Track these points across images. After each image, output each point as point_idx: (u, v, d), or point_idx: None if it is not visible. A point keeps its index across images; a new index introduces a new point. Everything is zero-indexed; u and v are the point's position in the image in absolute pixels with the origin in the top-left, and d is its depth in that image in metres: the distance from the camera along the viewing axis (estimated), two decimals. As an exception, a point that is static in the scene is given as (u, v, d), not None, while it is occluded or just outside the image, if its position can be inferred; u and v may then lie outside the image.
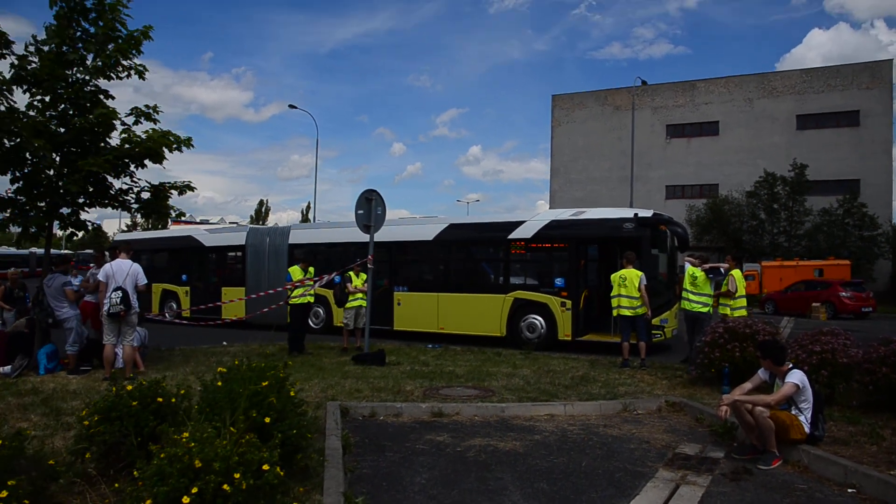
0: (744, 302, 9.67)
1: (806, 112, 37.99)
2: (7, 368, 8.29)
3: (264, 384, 4.32)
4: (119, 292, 8.00)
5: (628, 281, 10.29)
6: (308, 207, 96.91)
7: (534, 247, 13.80)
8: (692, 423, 6.56)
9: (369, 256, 10.82)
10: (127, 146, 8.58)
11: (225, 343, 13.29)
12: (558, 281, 13.19)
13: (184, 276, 18.73)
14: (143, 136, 8.79)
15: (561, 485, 4.70)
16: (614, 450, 5.59)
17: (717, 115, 40.30)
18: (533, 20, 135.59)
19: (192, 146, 9.18)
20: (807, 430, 5.32)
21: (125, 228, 78.22)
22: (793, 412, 5.39)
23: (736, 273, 9.65)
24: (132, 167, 9.11)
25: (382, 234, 15.64)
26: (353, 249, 15.99)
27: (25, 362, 8.50)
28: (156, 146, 8.64)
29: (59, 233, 9.35)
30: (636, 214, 12.61)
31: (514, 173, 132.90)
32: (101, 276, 8.19)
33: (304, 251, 16.46)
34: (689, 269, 9.90)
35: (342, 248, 16.10)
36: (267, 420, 4.08)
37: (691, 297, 9.70)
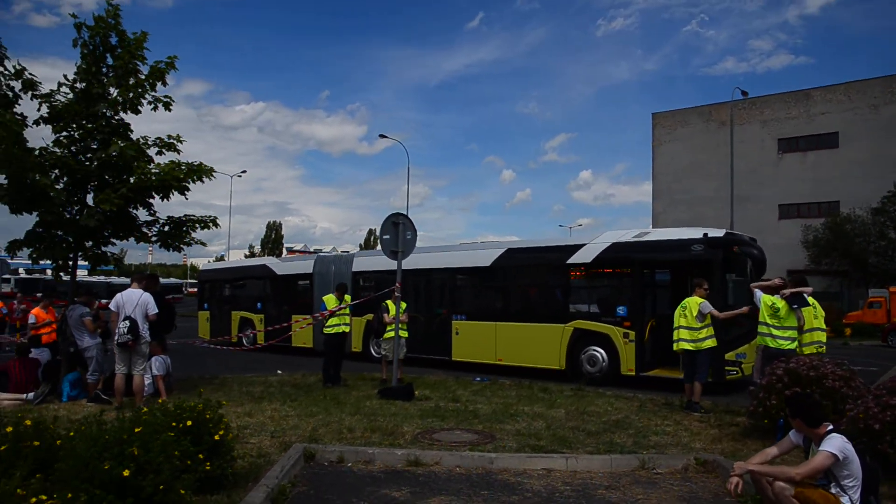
0: (819, 336, 8.00)
1: (943, 116, 33.44)
2: (31, 395, 8.47)
3: (137, 430, 3.80)
4: (127, 322, 7.95)
5: (688, 310, 8.93)
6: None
7: (594, 272, 12.61)
8: (720, 488, 5.30)
9: (397, 284, 10.21)
10: (143, 177, 8.58)
11: (280, 371, 13.15)
12: (620, 310, 11.93)
13: (259, 304, 19.12)
14: (156, 169, 8.77)
15: (500, 569, 3.79)
16: (600, 522, 4.55)
17: (836, 125, 36.42)
18: (642, 39, 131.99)
19: (213, 177, 9.12)
20: (850, 514, 4.02)
21: (246, 255, 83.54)
22: (833, 490, 4.09)
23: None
24: (156, 198, 9.16)
25: (440, 261, 15.24)
26: (412, 276, 15.57)
27: (48, 389, 8.67)
28: (168, 178, 8.61)
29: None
30: (706, 235, 11.17)
31: (626, 197, 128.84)
32: (112, 306, 8.19)
33: (364, 279, 16.33)
34: (763, 297, 8.34)
35: (411, 275, 15.64)
36: (126, 473, 3.53)
37: (774, 332, 7.96)
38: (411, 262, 15.68)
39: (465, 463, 5.80)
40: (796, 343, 7.88)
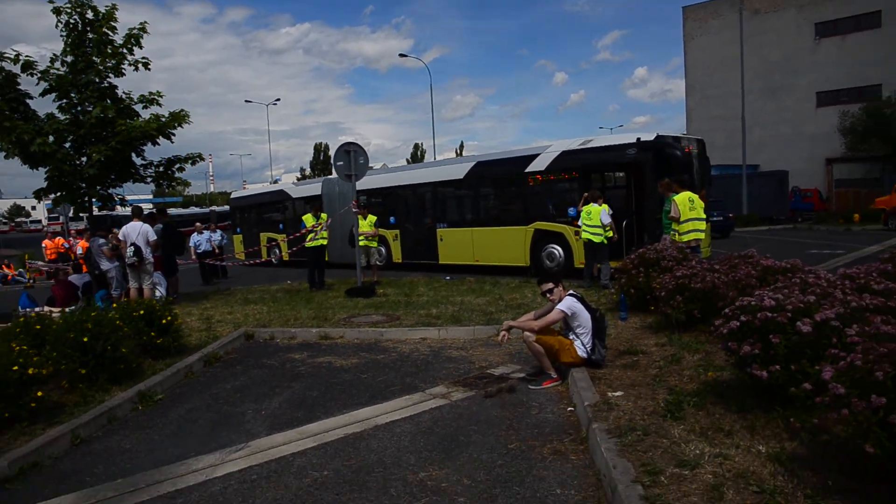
0: (694, 225, 9.29)
1: None
2: (72, 308, 10.89)
3: (93, 314, 5.84)
4: (132, 247, 10.11)
5: (592, 216, 10.98)
6: (461, 147, 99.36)
7: (548, 178, 13.96)
8: (543, 346, 6.99)
9: (353, 202, 11.93)
10: (126, 131, 10.39)
11: (289, 282, 15.32)
12: (571, 210, 13.33)
13: (280, 225, 21.40)
14: (137, 122, 10.59)
15: (330, 393, 5.72)
16: (429, 368, 6.39)
17: (878, 3, 34.40)
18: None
19: (189, 122, 10.94)
20: (581, 353, 5.66)
21: (298, 179, 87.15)
22: (569, 336, 5.75)
23: (679, 198, 9.29)
24: (146, 145, 11.04)
25: (422, 176, 16.95)
26: (401, 190, 17.38)
27: (84, 304, 11.08)
28: (147, 129, 10.49)
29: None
30: (638, 139, 12.27)
31: (683, 91, 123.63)
32: (119, 236, 10.38)
33: (364, 195, 18.12)
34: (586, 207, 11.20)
35: (400, 190, 17.50)
36: (85, 339, 5.59)
37: (587, 228, 11.02)
38: (400, 178, 17.61)
39: (361, 336, 7.74)
40: (602, 238, 11.02)
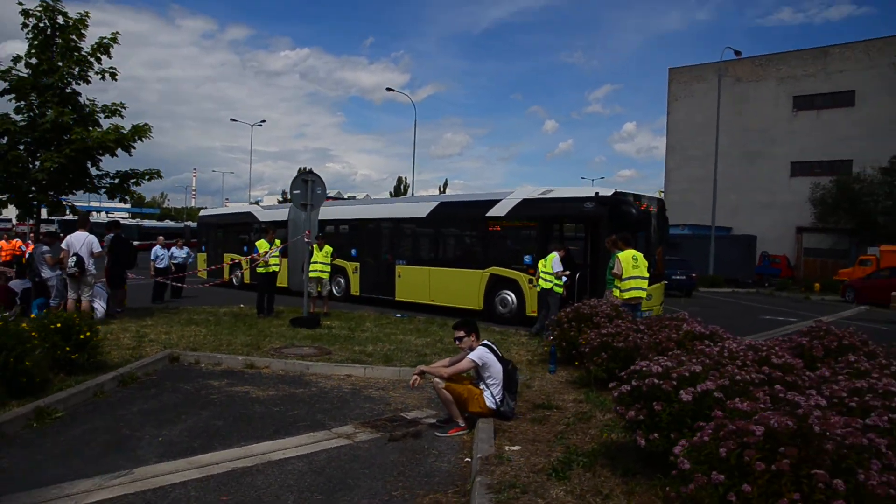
0: (637, 283, 9.40)
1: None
2: (7, 313, 10.66)
3: None
4: (74, 257, 9.98)
5: (547, 262, 11.30)
6: (445, 184, 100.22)
7: (507, 224, 14.12)
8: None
9: (306, 232, 11.94)
10: (82, 140, 10.35)
11: (242, 305, 15.14)
12: (527, 258, 13.45)
13: (245, 248, 21.26)
14: (95, 133, 10.52)
15: (236, 424, 5.63)
16: (344, 406, 6.33)
17: (854, 83, 35.80)
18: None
19: (150, 136, 10.92)
20: (490, 404, 5.64)
21: (279, 201, 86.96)
22: (480, 386, 5.75)
23: (623, 255, 9.42)
24: (103, 156, 10.97)
25: (386, 211, 17.08)
26: (365, 224, 17.44)
27: (20, 309, 10.87)
28: (104, 140, 10.44)
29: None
30: (597, 193, 12.50)
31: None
32: (63, 246, 10.24)
33: (327, 225, 18.10)
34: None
35: (364, 223, 17.54)
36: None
37: (541, 274, 11.32)
38: (365, 211, 17.71)
39: (287, 368, 7.66)
40: (551, 286, 11.11)
